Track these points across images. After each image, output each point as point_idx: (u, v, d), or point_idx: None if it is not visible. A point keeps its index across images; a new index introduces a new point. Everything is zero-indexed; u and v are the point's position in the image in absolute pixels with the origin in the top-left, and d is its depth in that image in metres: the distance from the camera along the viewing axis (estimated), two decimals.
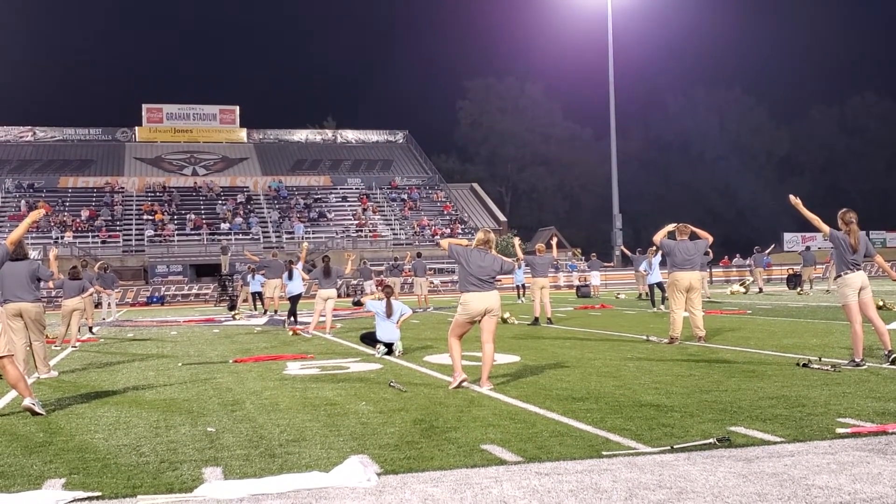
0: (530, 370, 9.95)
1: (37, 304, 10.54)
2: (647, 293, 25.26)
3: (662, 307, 21.02)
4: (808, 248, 37.48)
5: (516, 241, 12.35)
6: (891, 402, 7.01)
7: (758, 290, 32.15)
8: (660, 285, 21.99)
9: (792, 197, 10.18)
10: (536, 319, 17.96)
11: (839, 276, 9.59)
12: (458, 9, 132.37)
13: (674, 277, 12.78)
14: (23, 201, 53.60)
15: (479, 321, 8.68)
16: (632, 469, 5.04)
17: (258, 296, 27.61)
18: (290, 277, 19.93)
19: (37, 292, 10.57)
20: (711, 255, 21.72)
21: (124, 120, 68.67)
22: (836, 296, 9.60)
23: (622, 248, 42.30)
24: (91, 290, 17.47)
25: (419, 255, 30.87)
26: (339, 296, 24.06)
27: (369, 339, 12.73)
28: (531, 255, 18.76)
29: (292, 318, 19.28)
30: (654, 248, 24.65)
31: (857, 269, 9.50)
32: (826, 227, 9.87)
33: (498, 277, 8.87)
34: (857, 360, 9.21)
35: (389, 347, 12.27)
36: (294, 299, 19.87)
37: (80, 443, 6.32)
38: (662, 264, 19.81)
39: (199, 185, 59.49)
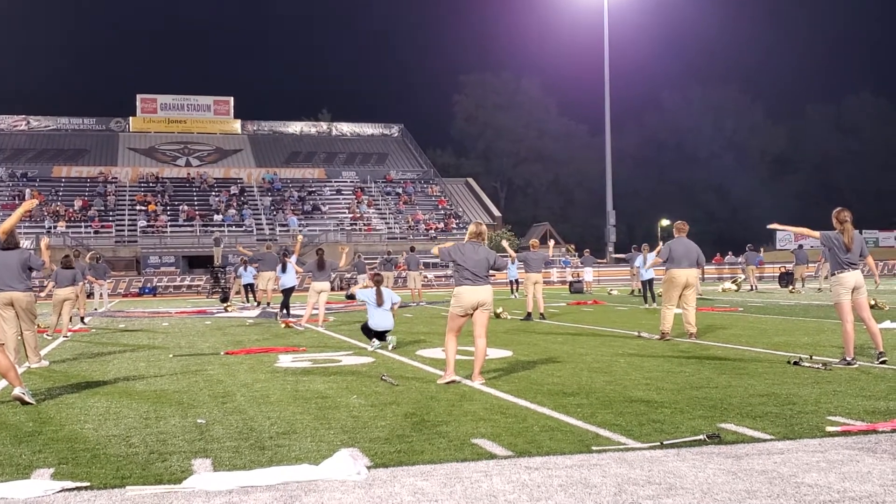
0: (522, 365, 9.96)
1: (28, 294, 10.49)
2: (639, 289, 25.31)
3: (656, 304, 21.06)
4: (800, 246, 37.57)
5: (505, 243, 12.38)
6: (881, 401, 7.03)
7: (749, 287, 32.20)
8: (650, 281, 22.09)
9: (771, 225, 10.25)
10: (529, 314, 17.98)
11: (833, 274, 9.59)
12: (456, 3, 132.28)
13: (671, 275, 12.84)
14: (27, 190, 53.47)
15: (472, 315, 8.68)
16: (621, 464, 5.04)
17: (250, 288, 27.61)
18: (284, 270, 19.90)
19: (28, 282, 10.53)
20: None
21: (118, 110, 68.65)
22: (830, 294, 9.61)
23: (616, 256, 42.33)
24: (82, 281, 17.42)
25: (412, 249, 30.87)
26: (332, 289, 23.94)
27: (368, 330, 12.62)
28: (525, 251, 18.79)
29: (285, 311, 19.27)
30: (647, 244, 24.84)
31: (852, 269, 9.47)
32: (815, 233, 9.88)
33: (491, 272, 8.88)
34: (847, 358, 9.23)
35: (382, 336, 12.24)
36: (287, 292, 19.85)
37: (70, 433, 6.30)
38: None
39: (192, 176, 59.36)
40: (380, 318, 12.30)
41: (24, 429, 6.50)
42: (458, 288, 8.66)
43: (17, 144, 61.90)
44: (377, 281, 12.79)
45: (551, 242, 22.82)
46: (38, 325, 12.19)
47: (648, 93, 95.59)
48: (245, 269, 27.94)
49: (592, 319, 17.87)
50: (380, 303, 12.30)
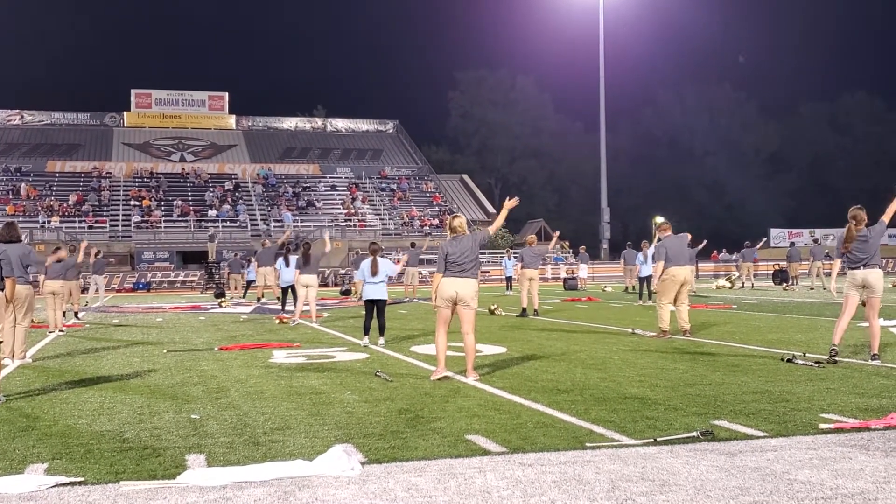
0: (516, 361, 9.97)
1: (27, 287, 10.53)
2: (633, 286, 25.35)
3: (651, 301, 21.10)
4: (792, 244, 37.70)
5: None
6: (874, 399, 7.05)
7: (741, 285, 32.25)
8: (648, 278, 22.11)
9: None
10: (524, 311, 18.00)
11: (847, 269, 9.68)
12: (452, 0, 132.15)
13: (671, 273, 12.87)
14: (22, 185, 53.40)
15: (456, 311, 8.69)
16: (615, 461, 5.05)
17: (252, 284, 27.78)
18: (287, 264, 19.51)
19: (27, 275, 10.56)
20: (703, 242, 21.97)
21: (113, 104, 68.37)
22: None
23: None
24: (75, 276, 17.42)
25: (413, 245, 30.84)
26: (327, 285, 23.95)
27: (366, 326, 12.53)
28: (521, 248, 18.84)
29: (280, 307, 19.22)
30: (646, 241, 24.95)
31: (861, 267, 9.51)
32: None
33: (481, 268, 8.88)
34: (834, 342, 9.33)
35: (376, 305, 12.22)
36: (286, 289, 19.75)
37: (64, 428, 6.29)
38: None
39: (186, 172, 59.22)
40: (372, 289, 12.25)
41: (17, 424, 6.48)
42: (444, 279, 8.67)
43: (11, 139, 61.66)
44: (374, 250, 12.69)
45: (556, 234, 23.00)
46: (33, 321, 12.17)
47: (643, 90, 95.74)
48: (248, 265, 28.13)
49: (587, 316, 17.89)
50: (374, 272, 12.21)
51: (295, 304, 19.16)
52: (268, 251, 25.26)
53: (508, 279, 31.76)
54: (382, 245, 39.70)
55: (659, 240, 13.23)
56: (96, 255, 23.60)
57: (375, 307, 12.32)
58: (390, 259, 17.61)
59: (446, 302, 8.65)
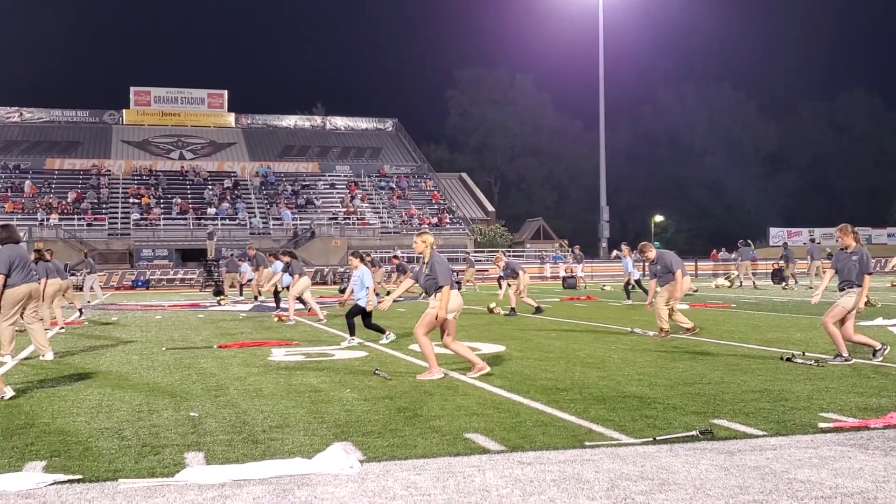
0: (515, 360, 9.97)
1: (18, 288, 10.49)
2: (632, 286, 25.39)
3: (630, 301, 21.99)
4: (785, 244, 37.68)
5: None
6: (873, 398, 7.05)
7: (739, 283, 32.23)
8: (638, 281, 23.10)
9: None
10: (513, 310, 18.21)
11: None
12: None
13: (686, 282, 12.97)
14: (26, 182, 53.39)
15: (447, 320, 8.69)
16: (614, 460, 5.05)
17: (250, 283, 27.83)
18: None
19: (30, 275, 10.55)
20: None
21: (112, 102, 68.37)
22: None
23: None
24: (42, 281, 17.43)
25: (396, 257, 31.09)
26: (326, 283, 23.85)
27: (352, 325, 12.55)
28: (512, 261, 19.52)
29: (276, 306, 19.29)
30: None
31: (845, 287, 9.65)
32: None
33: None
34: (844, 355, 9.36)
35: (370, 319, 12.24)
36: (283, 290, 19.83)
37: (62, 425, 6.28)
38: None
39: (185, 170, 59.18)
40: (365, 298, 12.29)
41: (15, 421, 6.47)
42: (452, 292, 8.65)
43: (10, 136, 61.61)
44: (356, 255, 12.77)
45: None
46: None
47: (643, 89, 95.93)
48: (242, 266, 28.26)
49: (586, 315, 17.89)
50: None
51: (278, 303, 19.34)
52: (260, 256, 25.45)
53: (500, 278, 31.83)
54: (379, 241, 39.62)
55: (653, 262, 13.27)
56: (85, 255, 23.67)
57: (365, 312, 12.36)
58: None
59: (456, 313, 8.67)
